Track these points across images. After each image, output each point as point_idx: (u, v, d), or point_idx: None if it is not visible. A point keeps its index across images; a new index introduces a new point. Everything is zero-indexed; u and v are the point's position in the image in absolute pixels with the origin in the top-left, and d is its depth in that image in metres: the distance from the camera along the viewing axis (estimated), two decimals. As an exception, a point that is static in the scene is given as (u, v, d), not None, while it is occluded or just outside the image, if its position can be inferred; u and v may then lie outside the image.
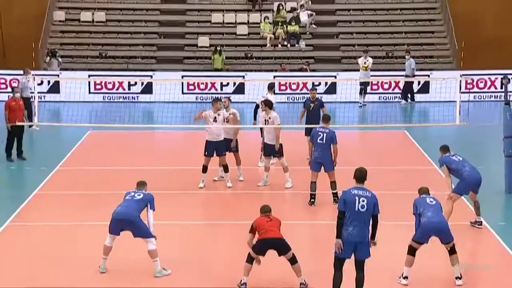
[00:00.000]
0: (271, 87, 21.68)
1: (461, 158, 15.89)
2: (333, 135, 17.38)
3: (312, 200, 17.63)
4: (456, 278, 13.11)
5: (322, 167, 17.45)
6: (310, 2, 37.59)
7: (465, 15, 36.92)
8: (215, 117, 18.82)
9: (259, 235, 13.00)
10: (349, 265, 12.16)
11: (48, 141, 24.76)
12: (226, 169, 18.99)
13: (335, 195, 17.37)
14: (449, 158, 15.92)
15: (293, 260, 12.95)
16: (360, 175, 12.16)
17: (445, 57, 35.86)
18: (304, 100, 22.68)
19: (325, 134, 17.32)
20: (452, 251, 13.17)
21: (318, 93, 24.40)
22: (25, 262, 14.47)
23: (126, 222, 13.42)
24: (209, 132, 18.96)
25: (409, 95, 31.90)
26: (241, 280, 13.02)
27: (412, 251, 13.09)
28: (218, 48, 34.72)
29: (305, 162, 19.17)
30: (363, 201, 11.92)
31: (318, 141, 17.31)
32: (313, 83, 27.00)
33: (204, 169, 18.90)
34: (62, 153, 22.48)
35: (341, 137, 18.29)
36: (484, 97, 31.79)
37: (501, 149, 18.90)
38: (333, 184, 17.59)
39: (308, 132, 20.11)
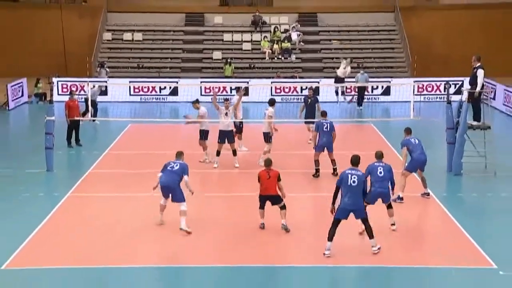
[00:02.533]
0: (272, 102, 19.55)
1: (417, 141, 16.08)
2: (333, 125, 18.11)
3: (317, 173, 18.04)
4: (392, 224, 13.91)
5: (325, 149, 17.98)
6: (299, 25, 37.56)
7: (417, 36, 36.94)
8: (226, 112, 18.89)
9: (260, 190, 13.68)
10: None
11: (99, 131, 24.85)
12: (234, 153, 19.00)
13: (335, 169, 17.93)
14: (409, 140, 16.08)
15: (283, 207, 13.77)
16: (355, 160, 12.73)
17: (402, 67, 35.83)
18: (303, 98, 22.94)
19: (328, 124, 17.96)
20: (389, 206, 13.88)
21: (303, 95, 24.48)
22: (82, 223, 14.59)
23: (168, 188, 13.78)
24: (221, 124, 19.00)
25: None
26: (261, 223, 13.81)
27: None
28: (228, 60, 34.73)
29: (300, 148, 19.25)
30: (354, 177, 12.41)
31: (324, 129, 17.92)
32: (308, 87, 26.53)
33: (218, 153, 18.94)
34: (110, 140, 22.59)
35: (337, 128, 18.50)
36: (432, 98, 31.76)
37: (444, 138, 19.01)
38: (333, 161, 18.09)
39: (308, 121, 21.22)
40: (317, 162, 18.01)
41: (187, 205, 13.80)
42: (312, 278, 11.77)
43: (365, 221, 12.67)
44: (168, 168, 13.99)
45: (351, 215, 12.59)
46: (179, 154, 14.33)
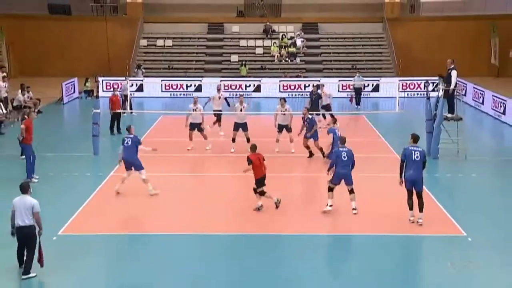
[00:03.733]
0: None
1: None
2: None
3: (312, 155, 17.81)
4: (353, 209, 13.28)
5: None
6: (302, 33, 37.37)
7: (402, 42, 36.64)
8: (241, 108, 18.85)
9: (256, 173, 13.06)
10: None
11: (136, 122, 24.87)
12: (248, 140, 18.81)
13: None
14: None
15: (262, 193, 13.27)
16: (416, 138, 12.52)
17: (389, 68, 35.57)
18: (309, 93, 22.89)
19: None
20: (351, 192, 13.28)
21: (308, 92, 24.40)
22: (123, 197, 14.69)
23: (127, 161, 14.31)
24: (237, 116, 18.96)
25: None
26: (277, 199, 13.41)
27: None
28: (244, 62, 34.66)
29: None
30: (417, 153, 12.32)
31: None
32: (313, 85, 26.06)
33: (233, 140, 18.91)
34: (145, 129, 22.65)
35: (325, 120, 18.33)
36: (414, 94, 31.57)
37: (424, 127, 18.94)
38: (321, 150, 17.75)
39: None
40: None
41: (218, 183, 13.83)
42: (315, 245, 11.80)
43: (421, 194, 12.45)
44: (124, 144, 14.29)
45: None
46: (129, 128, 14.67)
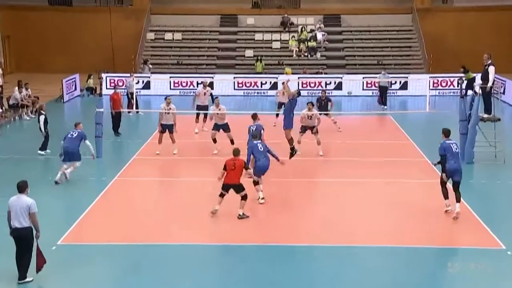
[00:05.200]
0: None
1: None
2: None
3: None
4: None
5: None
6: (323, 26, 37.28)
7: (432, 35, 36.36)
8: (217, 112, 18.91)
9: (225, 178, 13.41)
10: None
11: (142, 122, 24.97)
12: (232, 142, 18.52)
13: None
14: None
15: (244, 197, 13.48)
16: (447, 132, 13.78)
17: (418, 64, 35.36)
18: (316, 99, 22.33)
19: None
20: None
21: (329, 89, 24.28)
22: (128, 204, 14.72)
23: (68, 152, 15.83)
24: (216, 118, 19.14)
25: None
26: (214, 208, 13.48)
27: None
28: (259, 58, 34.63)
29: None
30: (454, 145, 13.65)
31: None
32: (322, 90, 25.80)
33: (214, 140, 18.86)
34: (152, 129, 22.61)
35: (348, 121, 18.20)
36: (446, 92, 31.32)
37: (457, 129, 18.75)
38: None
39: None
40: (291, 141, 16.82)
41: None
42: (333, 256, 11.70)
43: (459, 186, 13.50)
44: (69, 136, 15.99)
45: None
46: (76, 124, 16.39)
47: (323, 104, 21.82)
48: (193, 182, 16.47)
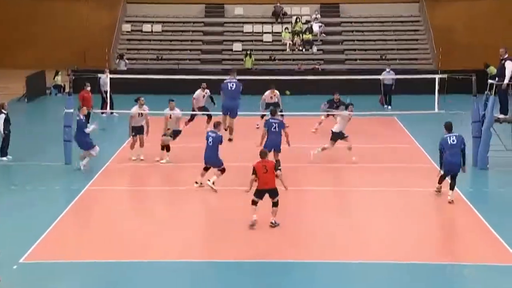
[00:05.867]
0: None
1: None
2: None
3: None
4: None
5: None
6: (320, 16, 37.36)
7: (441, 27, 36.51)
8: (170, 115, 18.81)
9: (258, 184, 13.44)
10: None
11: (117, 124, 24.79)
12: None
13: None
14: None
15: (276, 203, 13.56)
16: (448, 126, 15.25)
17: (426, 59, 35.49)
18: (328, 102, 22.29)
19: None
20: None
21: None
22: (99, 217, 14.61)
23: (78, 142, 18.11)
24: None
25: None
26: (253, 220, 13.46)
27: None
28: (249, 52, 34.65)
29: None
30: (452, 137, 15.08)
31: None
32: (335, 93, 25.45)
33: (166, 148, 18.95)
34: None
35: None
36: (457, 90, 31.34)
37: (470, 131, 18.76)
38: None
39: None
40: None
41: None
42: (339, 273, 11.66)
43: (455, 177, 15.14)
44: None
45: None
46: (79, 109, 18.14)
47: (334, 107, 21.89)
48: (173, 192, 16.39)
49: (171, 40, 36.81)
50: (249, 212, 13.61)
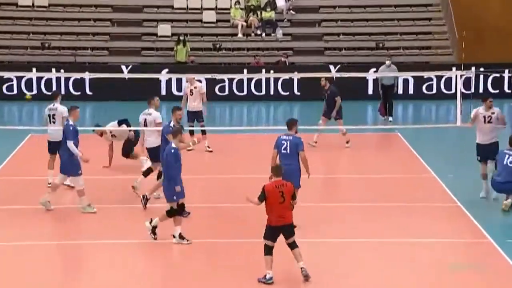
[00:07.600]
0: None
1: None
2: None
3: None
4: None
5: None
6: (287, -14, 37.67)
7: (466, 5, 37.02)
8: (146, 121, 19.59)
9: (270, 218, 13.61)
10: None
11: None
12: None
13: None
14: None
15: (295, 244, 13.75)
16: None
17: (444, 47, 35.80)
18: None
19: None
20: None
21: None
22: None
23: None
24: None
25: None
26: (265, 276, 13.70)
27: None
28: (182, 38, 34.73)
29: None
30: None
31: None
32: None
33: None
34: (5, 154, 22.49)
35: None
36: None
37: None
38: None
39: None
40: None
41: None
42: None
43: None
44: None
45: None
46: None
47: (326, 98, 22.43)
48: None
49: (63, 19, 36.60)
50: (262, 265, 13.78)
